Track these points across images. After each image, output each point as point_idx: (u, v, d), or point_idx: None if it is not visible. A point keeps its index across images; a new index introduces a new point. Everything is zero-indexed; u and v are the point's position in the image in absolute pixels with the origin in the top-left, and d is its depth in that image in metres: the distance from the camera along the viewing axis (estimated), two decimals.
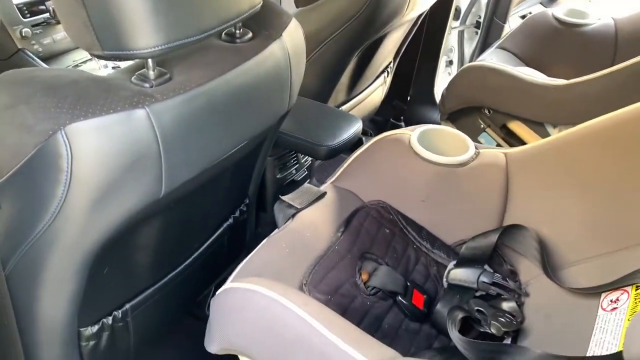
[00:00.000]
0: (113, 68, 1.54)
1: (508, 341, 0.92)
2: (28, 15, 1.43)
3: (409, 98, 2.48)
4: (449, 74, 2.51)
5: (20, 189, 0.71)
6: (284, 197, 1.12)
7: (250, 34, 0.92)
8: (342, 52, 1.59)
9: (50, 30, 1.49)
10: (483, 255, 1.05)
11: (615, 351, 0.74)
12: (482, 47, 2.40)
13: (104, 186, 0.71)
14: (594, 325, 0.82)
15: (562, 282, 0.95)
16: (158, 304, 1.10)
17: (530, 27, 2.14)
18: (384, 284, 1.03)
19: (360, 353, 0.72)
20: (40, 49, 1.47)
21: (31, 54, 1.44)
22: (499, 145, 1.92)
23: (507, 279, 1.02)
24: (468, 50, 2.51)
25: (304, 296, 0.88)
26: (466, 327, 0.94)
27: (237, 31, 0.90)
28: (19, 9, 1.42)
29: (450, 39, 2.42)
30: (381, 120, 2.53)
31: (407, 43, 2.03)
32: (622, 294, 0.83)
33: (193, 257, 1.14)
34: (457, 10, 2.34)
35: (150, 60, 0.74)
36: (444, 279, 1.07)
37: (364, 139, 1.45)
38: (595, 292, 0.87)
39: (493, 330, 0.91)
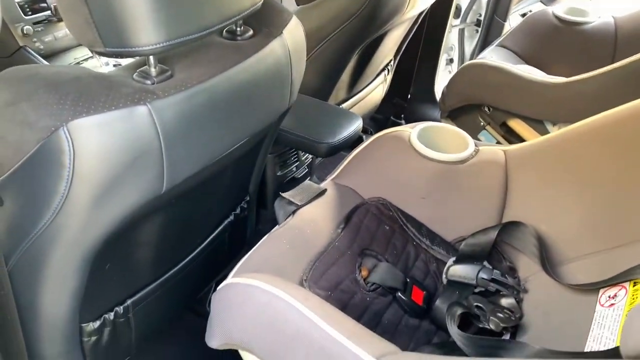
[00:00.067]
0: (114, 66, 1.54)
1: (507, 337, 0.93)
2: (29, 12, 1.44)
3: (409, 96, 2.48)
4: (450, 72, 2.51)
5: (22, 186, 0.71)
6: (284, 194, 1.12)
7: (251, 32, 0.92)
8: (343, 50, 1.59)
9: (51, 27, 1.49)
10: (482, 252, 1.06)
11: (612, 346, 0.75)
12: (483, 45, 2.41)
13: (106, 182, 0.72)
14: (592, 321, 0.82)
15: (561, 279, 0.96)
16: (159, 300, 1.10)
17: (531, 25, 2.14)
18: (383, 280, 1.04)
19: (360, 347, 0.72)
20: (42, 47, 1.47)
21: (33, 52, 1.44)
22: (498, 142, 1.92)
23: (506, 275, 1.02)
24: (468, 48, 2.51)
25: (304, 291, 0.88)
26: (465, 323, 0.95)
27: (238, 28, 0.91)
28: (21, 7, 1.42)
29: (451, 37, 2.42)
30: (382, 118, 2.53)
31: (407, 41, 2.03)
32: (619, 290, 0.83)
33: (194, 253, 1.15)
34: (458, 9, 2.34)
35: (151, 57, 0.74)
36: (444, 276, 1.07)
37: (364, 136, 1.45)
38: (593, 288, 0.88)
39: (492, 326, 0.92)
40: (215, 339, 0.89)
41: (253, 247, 1.02)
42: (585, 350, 0.78)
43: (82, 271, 0.83)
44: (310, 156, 1.73)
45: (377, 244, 1.11)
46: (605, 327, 0.79)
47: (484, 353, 0.81)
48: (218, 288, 0.93)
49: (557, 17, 2.08)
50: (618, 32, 1.99)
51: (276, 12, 0.98)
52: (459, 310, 0.93)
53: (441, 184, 1.18)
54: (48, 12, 1.47)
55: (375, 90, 2.06)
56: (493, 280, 1.01)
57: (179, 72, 0.79)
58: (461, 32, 2.46)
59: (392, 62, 2.09)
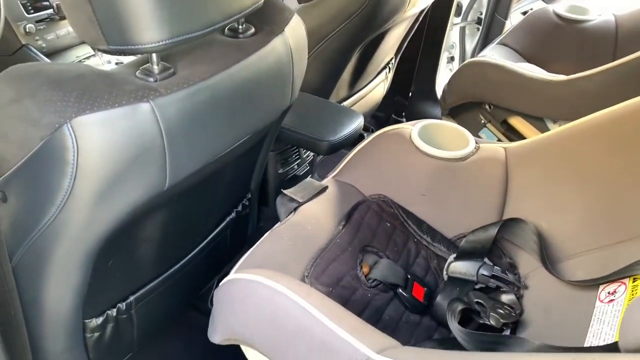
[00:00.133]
0: (116, 64, 1.55)
1: (507, 333, 0.93)
2: (32, 11, 1.44)
3: (410, 94, 2.49)
4: (451, 70, 2.51)
5: (26, 182, 0.72)
6: (286, 191, 1.13)
7: (252, 30, 0.93)
8: (344, 48, 1.60)
9: (53, 26, 1.49)
10: (483, 249, 1.06)
11: (612, 341, 0.75)
12: (484, 43, 2.41)
13: (109, 179, 0.72)
14: (592, 317, 0.83)
15: (561, 275, 0.96)
16: (161, 297, 1.11)
17: (531, 23, 2.14)
18: (384, 276, 1.04)
19: (361, 342, 0.73)
20: (44, 45, 1.47)
21: (35, 50, 1.45)
22: (499, 140, 1.93)
23: (506, 271, 1.03)
24: (469, 46, 2.51)
25: (306, 287, 0.88)
26: (466, 319, 0.95)
27: (240, 26, 0.91)
28: (23, 5, 1.42)
29: (452, 35, 2.43)
30: (383, 116, 2.53)
31: (408, 39, 2.03)
32: (619, 286, 0.84)
33: (196, 250, 1.15)
34: (459, 7, 2.34)
35: (154, 55, 0.74)
36: (444, 272, 1.08)
37: (365, 134, 1.46)
38: (593, 284, 0.88)
39: (492, 322, 0.93)
40: (217, 335, 0.89)
41: (254, 244, 1.03)
42: (585, 345, 0.79)
43: (85, 267, 0.83)
44: (312, 154, 1.73)
45: (378, 240, 1.12)
46: (604, 322, 0.80)
47: (484, 348, 0.82)
48: (220, 284, 0.93)
49: (557, 15, 2.08)
50: (619, 29, 2.00)
51: (278, 10, 0.99)
52: (459, 307, 0.93)
53: (442, 181, 1.18)
54: (50, 11, 1.47)
55: (376, 88, 2.06)
56: (493, 276, 1.01)
57: (181, 70, 0.79)
58: (462, 30, 2.46)
59: (393, 60, 2.10)
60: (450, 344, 0.87)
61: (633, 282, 0.82)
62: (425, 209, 1.18)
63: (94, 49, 1.54)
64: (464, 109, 2.02)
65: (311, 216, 1.08)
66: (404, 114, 2.52)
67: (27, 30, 1.42)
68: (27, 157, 0.69)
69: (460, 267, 1.05)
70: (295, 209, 1.09)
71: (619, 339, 0.65)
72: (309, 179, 1.21)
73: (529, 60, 2.06)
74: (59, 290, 0.84)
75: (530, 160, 1.16)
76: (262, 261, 0.97)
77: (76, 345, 0.95)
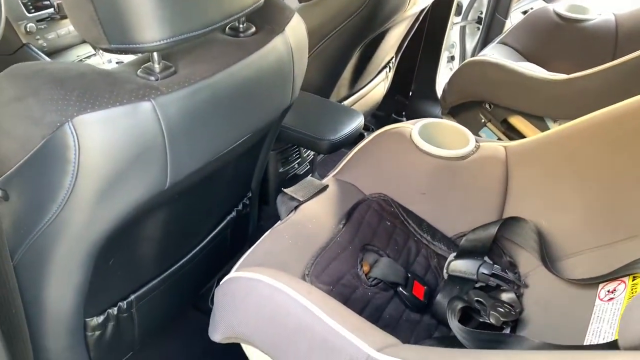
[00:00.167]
0: (117, 63, 1.55)
1: (507, 331, 0.94)
2: (32, 10, 1.44)
3: (410, 93, 2.49)
4: (451, 69, 2.51)
5: (28, 180, 0.72)
6: (286, 190, 1.13)
7: (253, 28, 0.93)
8: (345, 47, 1.60)
9: (54, 25, 1.49)
10: (483, 247, 1.06)
11: (611, 340, 0.75)
12: (484, 42, 2.42)
13: (111, 177, 0.73)
14: (591, 315, 0.83)
15: (561, 274, 0.96)
16: (162, 296, 1.11)
17: (532, 23, 2.15)
18: (385, 275, 1.04)
19: (362, 340, 0.73)
20: (45, 44, 1.47)
21: (36, 49, 1.45)
22: (499, 139, 1.93)
23: (506, 270, 1.03)
24: (470, 45, 2.51)
25: (307, 285, 0.89)
26: (466, 318, 0.95)
27: (241, 25, 0.91)
28: (24, 4, 1.42)
29: (452, 35, 2.43)
30: (383, 115, 2.54)
31: (409, 38, 2.04)
32: (619, 284, 0.84)
33: (196, 249, 1.16)
34: (459, 6, 2.35)
35: (155, 54, 0.75)
36: (444, 271, 1.08)
37: (365, 133, 1.46)
38: (592, 282, 0.88)
39: (492, 320, 0.93)
40: (218, 333, 0.90)
41: (255, 243, 1.03)
42: (585, 344, 0.79)
43: (87, 266, 0.83)
44: (312, 153, 1.73)
45: (379, 239, 1.12)
46: (604, 321, 0.80)
47: (484, 347, 0.82)
48: (221, 282, 0.94)
49: (558, 14, 2.08)
50: (619, 29, 2.00)
51: (278, 9, 0.99)
52: (459, 305, 0.93)
53: (442, 180, 1.18)
54: (51, 10, 1.47)
55: (376, 88, 2.07)
56: (493, 275, 1.02)
57: (182, 69, 0.79)
58: (462, 30, 2.47)
59: (393, 60, 2.10)
60: (450, 342, 0.87)
61: (633, 280, 0.82)
62: (425, 208, 1.18)
63: (95, 48, 1.54)
64: (464, 108, 2.02)
65: (312, 215, 1.09)
66: (404, 113, 2.52)
67: (28, 29, 1.42)
68: (28, 155, 0.69)
69: (460, 266, 1.05)
70: (295, 208, 1.09)
71: (618, 336, 0.66)
72: (309, 177, 1.21)
73: (529, 59, 2.06)
74: (60, 288, 0.85)
75: (530, 159, 1.17)
76: (263, 260, 0.97)
77: (77, 344, 0.95)
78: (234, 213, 1.24)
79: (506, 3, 2.33)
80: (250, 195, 1.29)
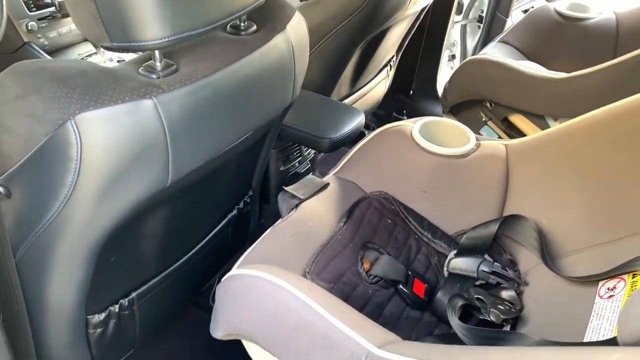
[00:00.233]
0: (118, 61, 1.55)
1: (507, 329, 0.94)
2: (34, 9, 1.44)
3: (411, 92, 2.49)
4: (452, 68, 2.51)
5: (30, 178, 0.72)
6: (287, 188, 1.13)
7: (254, 27, 0.93)
8: (345, 46, 1.60)
9: (55, 23, 1.49)
10: (483, 245, 1.07)
11: (611, 337, 0.76)
12: (485, 41, 2.41)
13: (112, 175, 0.73)
14: (591, 313, 0.83)
15: (561, 271, 0.96)
16: (163, 293, 1.11)
17: (532, 21, 2.15)
18: (385, 272, 1.05)
19: (362, 337, 0.73)
20: (46, 43, 1.48)
21: (37, 48, 1.45)
22: (500, 138, 1.93)
23: (506, 268, 1.03)
24: (471, 44, 2.51)
25: (307, 282, 0.89)
26: (466, 315, 0.96)
27: (242, 24, 0.92)
28: (25, 3, 1.42)
29: (453, 33, 2.43)
30: (384, 113, 2.54)
31: (409, 37, 2.04)
32: (618, 282, 0.84)
33: (198, 247, 1.16)
34: (460, 5, 2.35)
35: (157, 52, 0.75)
36: (445, 268, 1.08)
37: (366, 132, 1.46)
38: (592, 280, 0.89)
39: (492, 318, 0.93)
40: (219, 330, 0.90)
41: (256, 240, 1.03)
42: (584, 341, 0.79)
43: (88, 263, 0.84)
44: (313, 151, 1.73)
45: (379, 237, 1.12)
46: (604, 318, 0.80)
47: (484, 344, 0.82)
48: (222, 279, 0.94)
49: (558, 13, 2.08)
50: (619, 27, 2.00)
51: (279, 8, 0.99)
52: (460, 302, 0.94)
53: (443, 178, 1.19)
54: (52, 9, 1.48)
55: (377, 86, 2.07)
56: (494, 272, 1.02)
57: (184, 67, 0.80)
58: (463, 28, 2.47)
59: (394, 58, 2.10)
60: (450, 339, 0.87)
61: (632, 278, 0.83)
62: (426, 206, 1.18)
63: (96, 47, 1.54)
64: (465, 106, 2.02)
65: (312, 213, 1.09)
66: (405, 111, 2.52)
67: (29, 27, 1.42)
68: (31, 153, 0.69)
69: (460, 264, 1.05)
70: (296, 206, 1.10)
71: (617, 333, 0.66)
72: (310, 176, 1.21)
73: (530, 58, 2.06)
74: (62, 286, 0.85)
75: (530, 157, 1.17)
76: (264, 257, 0.97)
77: (79, 341, 0.95)
78: (235, 211, 1.25)
79: (507, 2, 2.32)
80: (251, 193, 1.29)
